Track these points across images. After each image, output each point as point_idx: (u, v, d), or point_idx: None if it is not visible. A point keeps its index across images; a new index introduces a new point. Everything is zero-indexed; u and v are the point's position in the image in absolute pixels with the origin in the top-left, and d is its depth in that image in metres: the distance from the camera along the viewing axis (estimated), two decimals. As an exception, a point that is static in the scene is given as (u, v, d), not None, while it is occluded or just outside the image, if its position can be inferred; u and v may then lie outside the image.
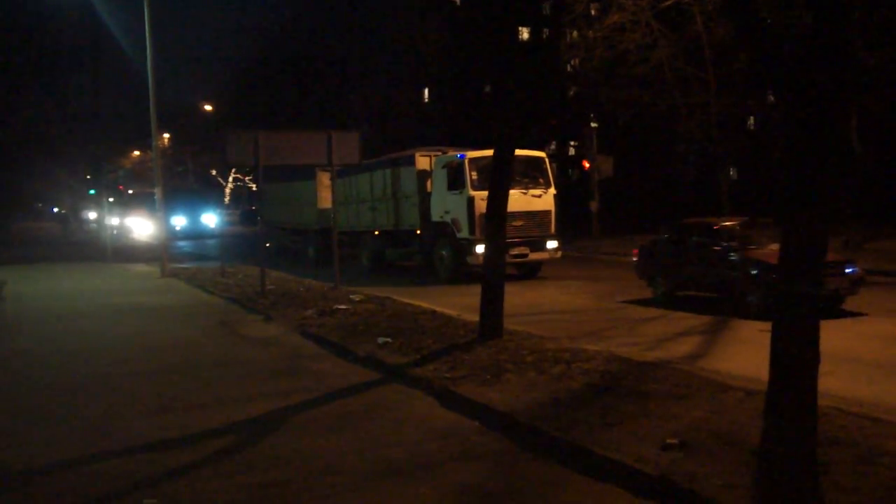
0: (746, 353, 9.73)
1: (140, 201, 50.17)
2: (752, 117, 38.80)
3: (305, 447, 6.68)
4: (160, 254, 23.22)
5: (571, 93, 46.28)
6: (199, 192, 59.17)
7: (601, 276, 19.83)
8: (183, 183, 72.64)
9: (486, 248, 11.10)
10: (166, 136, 66.19)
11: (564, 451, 6.18)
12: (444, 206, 19.22)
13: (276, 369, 9.87)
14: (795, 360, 4.84)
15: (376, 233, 22.87)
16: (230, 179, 79.80)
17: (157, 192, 23.52)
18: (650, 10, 25.05)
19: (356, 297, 15.23)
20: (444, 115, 57.87)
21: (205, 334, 12.69)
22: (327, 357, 10.55)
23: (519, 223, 18.36)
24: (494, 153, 11.04)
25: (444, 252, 19.33)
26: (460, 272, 18.76)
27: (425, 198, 20.10)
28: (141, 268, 26.04)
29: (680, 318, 12.91)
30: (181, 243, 41.60)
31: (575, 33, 31.03)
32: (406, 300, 14.90)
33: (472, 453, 6.43)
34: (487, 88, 57.50)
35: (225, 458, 6.52)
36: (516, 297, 14.67)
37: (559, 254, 19.47)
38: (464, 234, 18.54)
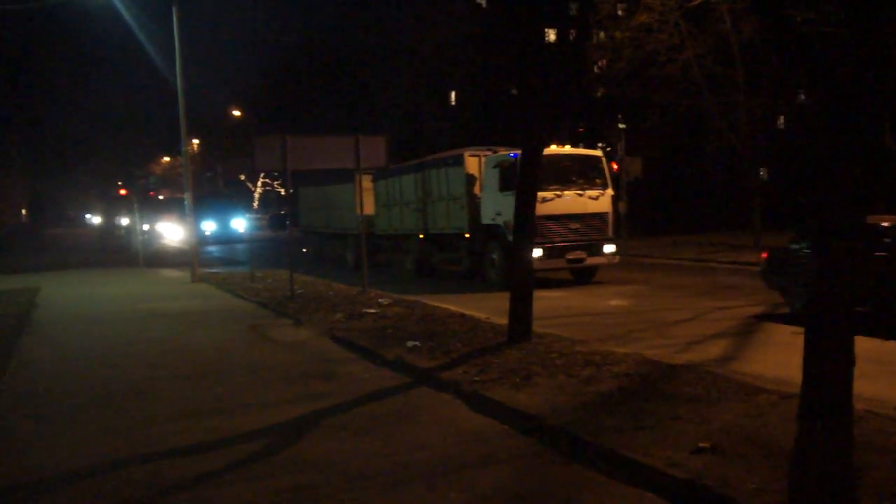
0: (779, 355, 9.62)
1: (170, 206, 50.71)
2: (782, 117, 38.43)
3: (335, 451, 6.69)
4: (190, 259, 23.42)
5: (599, 94, 46.10)
6: (228, 196, 59.58)
7: (647, 280, 19.34)
8: (212, 188, 73.32)
9: (514, 250, 11.05)
10: (195, 141, 66.81)
11: (594, 454, 6.13)
12: (496, 207, 18.28)
13: (306, 373, 9.90)
14: (830, 363, 4.76)
15: (421, 236, 22.10)
16: (259, 184, 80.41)
17: (187, 198, 23.74)
18: (678, 10, 24.90)
19: (385, 301, 15.25)
20: (471, 118, 57.89)
21: (235, 338, 12.77)
22: (356, 361, 10.57)
23: (575, 226, 17.86)
24: (522, 155, 11.02)
25: (495, 256, 18.56)
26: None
27: (474, 199, 19.35)
28: (172, 273, 26.27)
29: (709, 320, 12.80)
30: (211, 248, 41.94)
31: (602, 34, 30.92)
32: (435, 303, 14.89)
33: (502, 457, 6.40)
34: (514, 91, 57.45)
35: (255, 462, 6.55)
36: (548, 301, 14.62)
37: (617, 258, 18.70)
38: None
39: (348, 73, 67.08)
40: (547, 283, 17.80)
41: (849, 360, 4.76)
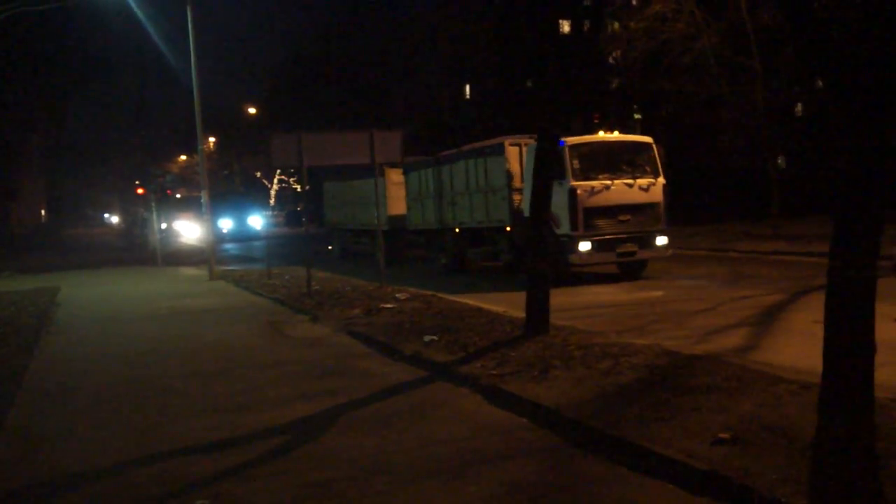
0: (799, 345, 9.54)
1: (187, 205, 50.99)
2: (799, 104, 38.12)
3: (354, 446, 6.71)
4: (208, 257, 23.53)
5: (614, 85, 45.90)
6: (244, 194, 59.85)
7: (666, 270, 18.52)
8: (229, 186, 73.61)
9: (529, 242, 10.99)
10: (212, 140, 67.12)
11: (613, 446, 6.11)
12: None
13: (324, 369, 9.92)
14: (850, 351, 4.72)
15: (456, 230, 21.08)
16: (275, 181, 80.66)
17: (204, 196, 23.84)
18: (693, -1, 24.76)
19: (402, 296, 15.26)
20: (486, 110, 57.76)
21: (253, 335, 12.82)
22: (374, 356, 10.58)
23: (625, 217, 16.77)
24: (537, 147, 10.98)
25: None
26: (560, 273, 16.34)
27: (516, 191, 18.19)
28: (190, 271, 26.42)
29: (729, 310, 12.72)
30: (228, 246, 42.14)
31: (616, 25, 30.80)
32: (452, 298, 14.89)
33: (521, 450, 6.39)
34: (529, 83, 57.26)
35: (275, 457, 6.57)
36: (566, 295, 14.58)
37: (670, 251, 17.65)
38: (564, 230, 16.57)
39: (363, 69, 67.09)
40: (584, 279, 17.55)
41: (870, 347, 4.71)
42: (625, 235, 16.83)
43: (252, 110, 69.93)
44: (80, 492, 6.14)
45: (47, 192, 76.62)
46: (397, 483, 5.83)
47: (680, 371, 8.01)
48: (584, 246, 16.49)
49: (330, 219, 30.53)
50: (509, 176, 18.52)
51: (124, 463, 6.64)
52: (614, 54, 35.95)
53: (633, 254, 17.00)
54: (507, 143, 18.86)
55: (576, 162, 16.62)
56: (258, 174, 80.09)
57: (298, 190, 72.63)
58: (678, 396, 7.03)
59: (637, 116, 36.46)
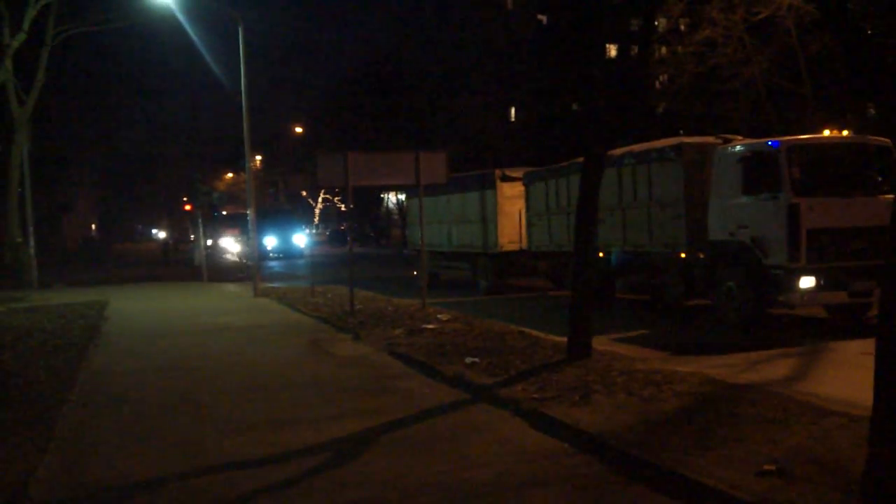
0: (847, 376, 9.35)
1: (233, 221, 51.61)
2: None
3: (393, 466, 6.70)
4: (252, 274, 23.78)
5: (660, 109, 45.70)
6: (289, 212, 60.45)
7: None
8: (274, 203, 74.48)
9: (574, 265, 10.86)
10: (258, 157, 68.04)
11: (655, 475, 6.03)
12: (737, 217, 13.35)
13: (365, 388, 9.95)
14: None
15: (600, 254, 16.65)
16: (320, 199, 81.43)
17: (251, 213, 24.14)
18: (742, 24, 24.57)
19: (443, 317, 15.26)
20: (532, 134, 57.84)
21: (295, 353, 12.91)
22: (415, 376, 10.58)
23: (859, 245, 12.46)
24: (583, 170, 10.92)
25: (732, 285, 13.44)
26: (756, 316, 13.19)
27: (696, 206, 14.33)
28: (234, 288, 26.73)
29: (774, 339, 12.50)
30: (272, 263, 42.57)
31: (664, 49, 30.68)
32: (492, 320, 14.86)
33: (561, 476, 6.33)
34: (575, 106, 57.27)
35: (313, 476, 6.58)
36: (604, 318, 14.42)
37: None
38: (777, 259, 12.59)
39: (409, 91, 67.64)
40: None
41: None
42: (860, 269, 12.46)
43: (298, 129, 70.80)
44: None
45: (98, 207, 78.24)
46: (436, 505, 5.81)
47: (724, 400, 7.88)
48: (807, 282, 12.41)
49: (415, 239, 25.69)
50: (688, 186, 14.54)
51: (166, 477, 6.70)
52: (661, 79, 35.78)
53: (869, 293, 12.58)
54: (686, 143, 15.07)
55: (795, 170, 12.66)
56: (304, 192, 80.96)
57: (343, 209, 73.22)
58: (722, 426, 6.92)
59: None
